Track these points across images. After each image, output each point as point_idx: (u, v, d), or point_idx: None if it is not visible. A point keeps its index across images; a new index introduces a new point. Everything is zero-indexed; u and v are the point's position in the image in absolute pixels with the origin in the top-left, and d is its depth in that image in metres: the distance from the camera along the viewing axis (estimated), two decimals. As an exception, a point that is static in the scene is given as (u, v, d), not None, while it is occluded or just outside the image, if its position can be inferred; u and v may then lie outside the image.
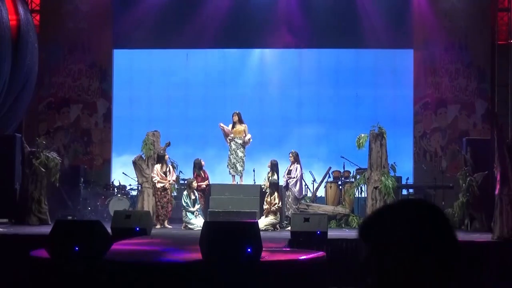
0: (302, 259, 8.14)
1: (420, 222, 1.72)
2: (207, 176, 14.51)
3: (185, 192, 13.90)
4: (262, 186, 14.23)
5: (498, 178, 10.93)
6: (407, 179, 15.78)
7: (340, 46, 17.34)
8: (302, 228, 10.71)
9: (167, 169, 14.13)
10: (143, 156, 14.42)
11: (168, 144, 14.35)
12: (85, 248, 7.41)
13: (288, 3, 17.11)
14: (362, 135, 13.99)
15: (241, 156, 14.68)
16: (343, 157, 15.07)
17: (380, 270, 1.69)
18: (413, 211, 1.75)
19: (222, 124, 14.83)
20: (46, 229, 9.37)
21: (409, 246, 1.68)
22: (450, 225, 1.76)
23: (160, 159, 14.10)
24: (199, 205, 13.81)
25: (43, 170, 13.69)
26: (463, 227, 13.32)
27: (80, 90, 17.44)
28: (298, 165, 14.36)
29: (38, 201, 13.66)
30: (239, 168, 14.67)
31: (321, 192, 15.27)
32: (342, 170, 15.20)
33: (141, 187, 14.42)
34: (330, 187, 14.96)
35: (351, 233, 12.11)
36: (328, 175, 15.16)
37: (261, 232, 8.10)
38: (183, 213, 13.74)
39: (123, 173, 15.96)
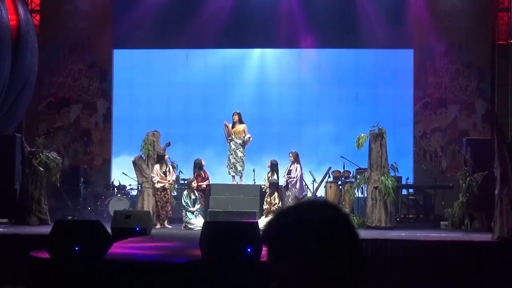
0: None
1: (323, 226, 1.60)
2: (207, 176, 14.51)
3: (185, 192, 13.91)
4: (262, 186, 14.23)
5: (498, 178, 10.92)
6: (407, 179, 15.79)
7: (340, 46, 17.34)
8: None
9: (167, 169, 14.13)
10: (143, 156, 14.41)
11: (168, 144, 14.35)
12: (85, 248, 7.41)
13: (288, 3, 17.11)
14: (362, 135, 13.98)
15: (240, 156, 14.67)
16: (343, 157, 15.07)
17: (282, 275, 1.58)
18: (315, 214, 1.62)
19: (227, 123, 14.79)
20: (46, 229, 9.36)
21: (310, 251, 1.56)
22: (353, 228, 1.66)
23: (160, 159, 14.10)
24: (199, 205, 13.81)
25: (43, 170, 13.67)
26: (463, 227, 13.32)
27: (80, 90, 17.45)
28: (298, 165, 14.36)
29: (38, 201, 13.65)
30: (239, 168, 14.67)
31: (321, 192, 15.26)
32: (342, 170, 15.20)
33: (141, 187, 14.42)
34: (330, 187, 14.96)
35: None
36: (328, 175, 15.16)
37: (261, 232, 8.09)
38: (183, 213, 13.74)
39: (123, 173, 15.95)
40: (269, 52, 17.79)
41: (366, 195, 14.06)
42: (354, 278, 1.59)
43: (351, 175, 15.05)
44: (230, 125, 14.81)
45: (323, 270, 1.56)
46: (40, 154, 13.80)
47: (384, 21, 16.74)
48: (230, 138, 14.73)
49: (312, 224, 1.60)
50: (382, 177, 13.53)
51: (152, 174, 14.05)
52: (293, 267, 1.57)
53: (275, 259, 1.60)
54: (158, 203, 13.96)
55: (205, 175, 14.47)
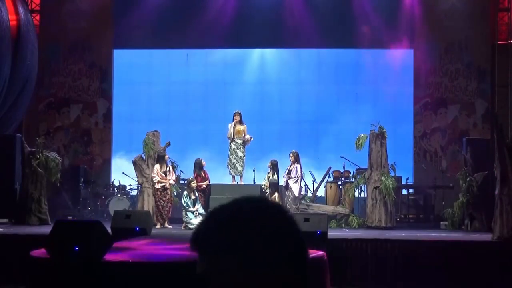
0: (302, 259, 8.11)
1: (256, 228, 1.41)
2: (207, 176, 14.51)
3: (185, 192, 13.90)
4: (262, 186, 14.22)
5: (498, 178, 10.92)
6: (407, 179, 15.79)
7: (340, 46, 17.35)
8: (302, 228, 10.59)
9: (167, 169, 14.12)
10: (143, 156, 14.42)
11: (168, 144, 14.34)
12: (85, 248, 7.40)
13: (289, 3, 17.11)
14: (362, 135, 13.99)
15: (241, 156, 14.68)
16: (343, 157, 15.07)
17: (218, 281, 1.42)
18: (248, 214, 1.44)
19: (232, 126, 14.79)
20: (46, 229, 9.37)
21: (250, 252, 1.39)
22: (298, 227, 1.49)
23: (160, 159, 14.10)
24: (199, 205, 13.80)
25: (41, 170, 13.64)
26: (463, 227, 13.33)
27: (80, 90, 17.44)
28: (298, 165, 14.35)
29: (38, 201, 13.64)
30: (239, 168, 14.67)
31: (321, 192, 15.26)
32: (342, 170, 15.19)
33: (141, 187, 14.42)
34: (330, 187, 14.95)
35: (351, 233, 12.11)
36: (328, 175, 15.15)
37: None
38: (183, 213, 13.74)
39: (123, 173, 15.95)
40: (269, 51, 17.80)
41: (366, 195, 14.07)
42: (298, 280, 1.43)
43: (351, 175, 15.04)
44: (230, 125, 14.82)
45: (264, 272, 1.38)
46: (40, 154, 13.80)
47: (384, 21, 16.75)
48: (231, 138, 14.74)
49: (252, 223, 1.42)
50: (382, 177, 13.54)
51: (152, 174, 14.05)
52: (230, 270, 1.40)
53: (211, 263, 1.44)
54: (158, 203, 13.95)
55: (205, 175, 14.47)
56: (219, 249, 1.42)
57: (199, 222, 1.51)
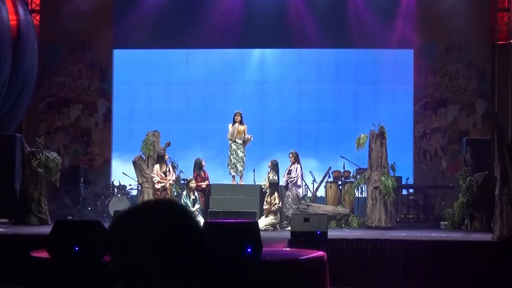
0: (302, 259, 8.14)
1: (160, 229, 1.55)
2: (207, 176, 14.50)
3: (184, 192, 13.90)
4: (262, 186, 14.22)
5: (498, 178, 10.92)
6: (407, 179, 15.79)
7: (340, 46, 17.35)
8: (302, 228, 10.69)
9: (167, 169, 14.12)
10: (143, 156, 14.42)
11: (168, 144, 14.34)
12: (85, 248, 7.40)
13: (289, 4, 17.11)
14: (362, 135, 13.98)
15: (241, 156, 14.68)
16: (343, 157, 15.08)
17: (127, 276, 1.53)
18: (152, 216, 1.57)
19: (231, 127, 14.79)
20: (46, 229, 9.37)
21: (152, 248, 1.52)
22: (195, 221, 1.61)
23: (160, 159, 14.09)
24: (199, 205, 13.80)
25: (41, 171, 13.64)
26: (463, 227, 13.32)
27: (80, 90, 17.45)
28: (298, 165, 14.36)
29: (38, 201, 13.64)
30: (240, 168, 14.68)
31: (321, 192, 15.26)
32: (342, 170, 15.20)
33: (141, 187, 14.42)
34: (330, 187, 14.95)
35: (351, 233, 12.11)
36: (328, 175, 15.15)
37: (261, 232, 8.10)
38: (183, 213, 13.72)
39: (123, 173, 15.95)
40: (269, 51, 17.81)
41: (366, 195, 14.06)
42: (198, 270, 1.56)
43: (351, 175, 15.04)
44: (230, 125, 14.81)
45: (168, 263, 1.51)
46: (40, 154, 13.79)
47: (384, 21, 16.76)
48: (232, 139, 14.74)
49: (151, 220, 1.56)
50: (382, 177, 13.54)
51: (152, 174, 14.04)
52: (131, 276, 1.52)
53: (120, 260, 1.55)
54: (158, 203, 13.94)
55: (205, 175, 14.46)
56: (127, 247, 1.55)
57: (110, 225, 1.63)
